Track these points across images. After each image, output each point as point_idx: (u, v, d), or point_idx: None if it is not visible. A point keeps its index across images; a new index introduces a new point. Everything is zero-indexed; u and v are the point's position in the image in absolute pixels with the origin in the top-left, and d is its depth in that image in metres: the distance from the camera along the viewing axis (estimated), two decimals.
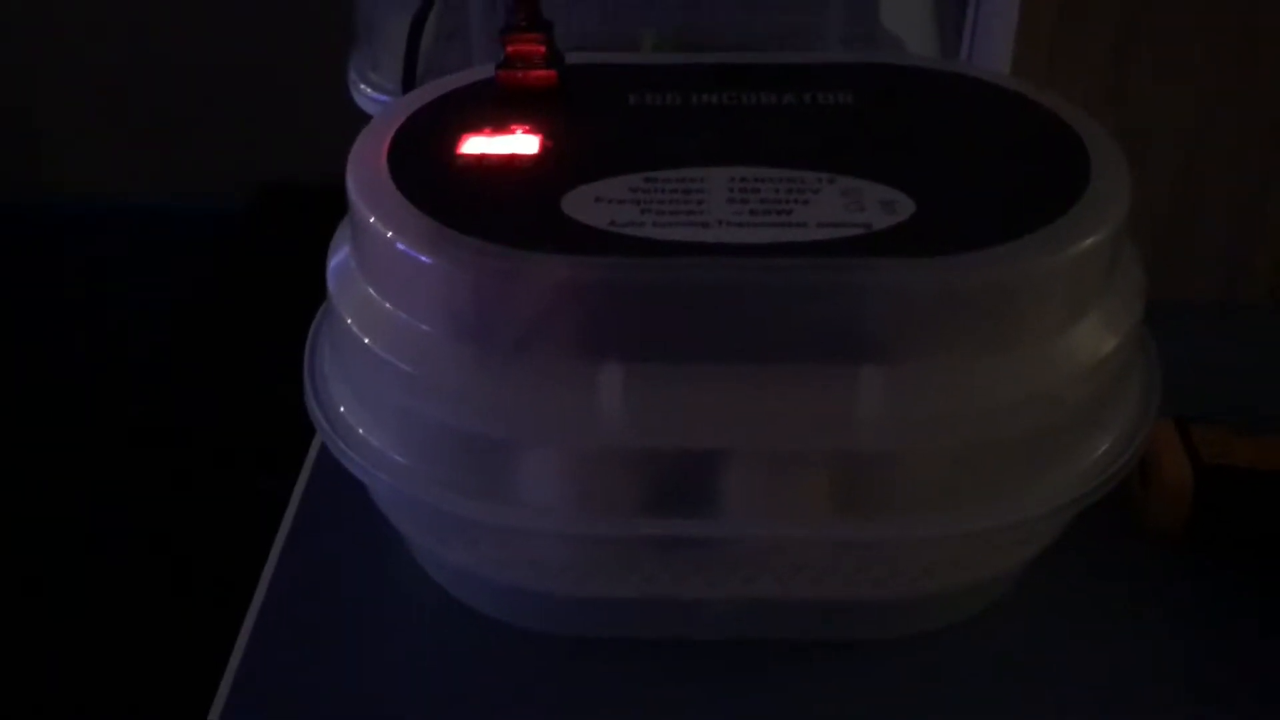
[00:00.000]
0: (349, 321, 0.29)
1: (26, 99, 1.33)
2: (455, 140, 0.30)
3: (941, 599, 0.31)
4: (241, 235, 1.29)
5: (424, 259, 0.27)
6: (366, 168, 0.30)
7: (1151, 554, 0.35)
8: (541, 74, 0.32)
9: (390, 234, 0.28)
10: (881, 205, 0.28)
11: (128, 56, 1.29)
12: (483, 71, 0.34)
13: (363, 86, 0.51)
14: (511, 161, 0.30)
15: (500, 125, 0.31)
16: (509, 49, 0.32)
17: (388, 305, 0.29)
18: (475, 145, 0.30)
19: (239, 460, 1.01)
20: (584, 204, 0.28)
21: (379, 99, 0.50)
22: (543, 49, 0.32)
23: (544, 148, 0.30)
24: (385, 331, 0.28)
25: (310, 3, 1.15)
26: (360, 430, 0.30)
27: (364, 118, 0.53)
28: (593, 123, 0.32)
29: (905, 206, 0.28)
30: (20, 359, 1.19)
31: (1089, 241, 0.27)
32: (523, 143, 0.30)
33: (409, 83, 0.38)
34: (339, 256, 0.31)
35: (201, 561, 0.94)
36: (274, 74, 1.25)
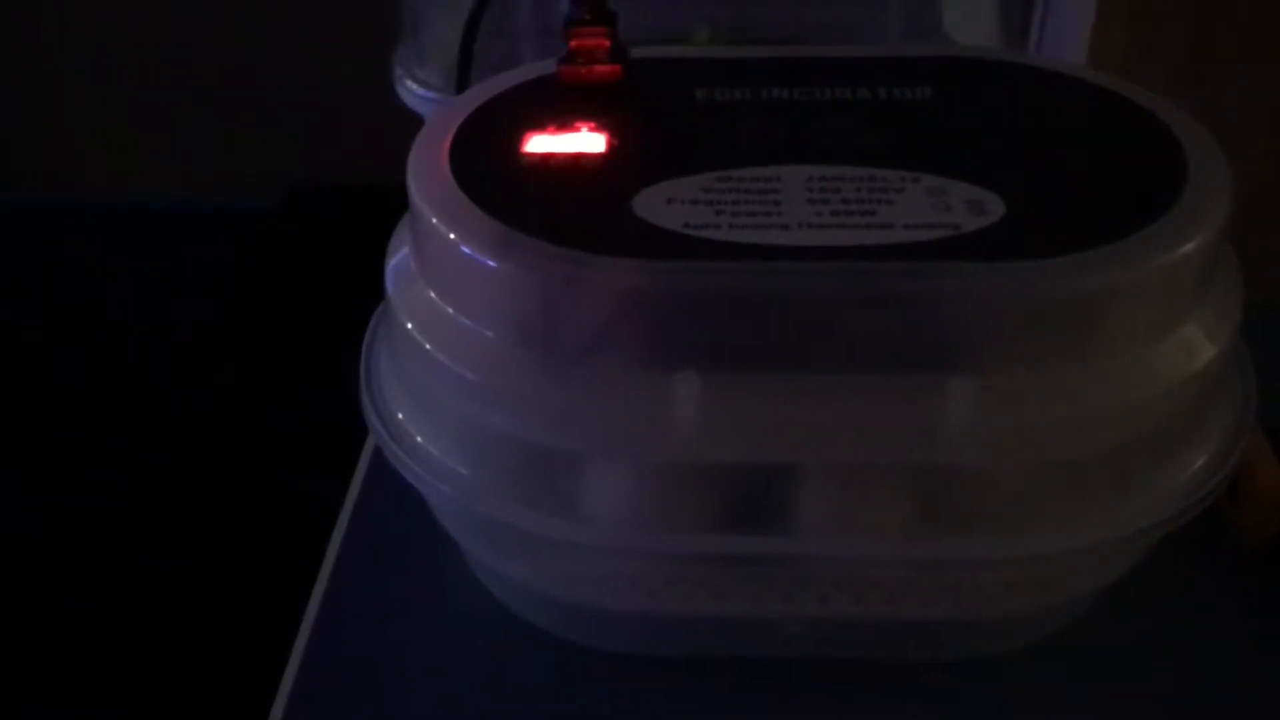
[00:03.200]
0: (409, 326, 0.28)
1: (55, 97, 1.33)
2: (518, 139, 0.29)
3: (1023, 618, 0.30)
4: (274, 233, 1.29)
5: (489, 262, 0.26)
6: (428, 168, 0.28)
7: (1242, 569, 0.33)
8: (606, 69, 0.31)
9: (454, 236, 0.27)
10: (969, 205, 0.26)
11: (158, 53, 1.29)
12: (542, 67, 0.32)
13: (409, 83, 0.50)
14: (578, 160, 0.29)
15: (564, 122, 0.30)
16: (572, 43, 0.31)
17: (450, 310, 0.27)
18: (539, 144, 0.29)
19: (280, 460, 1.00)
20: (655, 205, 0.27)
21: (425, 95, 0.49)
22: (607, 43, 0.31)
23: (611, 146, 0.29)
24: (447, 337, 0.27)
25: (346, 1, 1.15)
26: (419, 438, 0.29)
27: (400, 115, 0.52)
28: (660, 119, 0.31)
29: (995, 207, 0.26)
30: (53, 361, 1.19)
31: (1189, 246, 0.26)
32: (589, 141, 0.29)
33: (463, 81, 0.37)
34: (398, 258, 0.29)
35: (249, 568, 0.93)
36: (304, 72, 1.25)
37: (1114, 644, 0.31)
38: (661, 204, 0.27)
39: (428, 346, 0.27)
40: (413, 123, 0.49)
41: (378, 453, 0.37)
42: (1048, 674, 0.31)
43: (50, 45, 1.31)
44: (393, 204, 0.31)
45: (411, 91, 0.50)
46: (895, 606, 0.29)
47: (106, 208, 1.36)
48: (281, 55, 1.26)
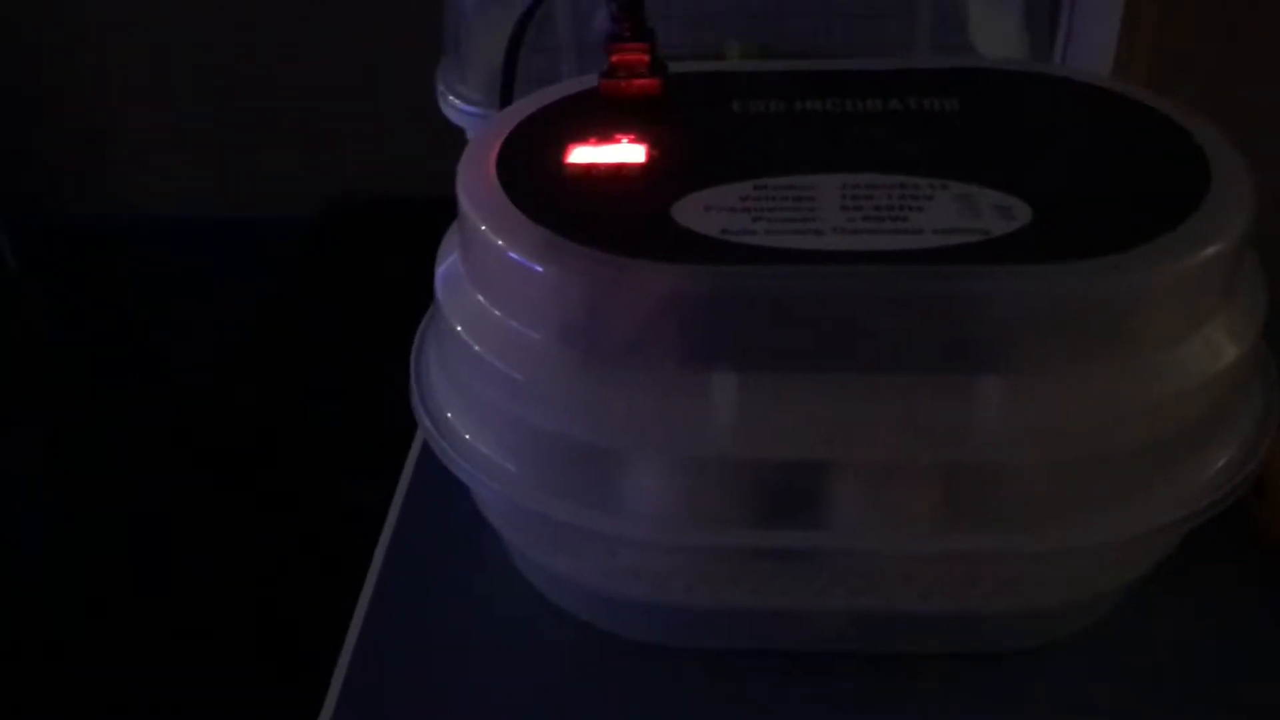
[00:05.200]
0: (458, 329, 0.29)
1: (98, 114, 1.36)
2: (562, 150, 0.31)
3: (1053, 612, 0.31)
4: (314, 247, 1.31)
5: (536, 267, 0.27)
6: (477, 177, 0.30)
7: (1266, 566, 0.34)
8: (645, 83, 0.32)
9: (502, 242, 0.28)
10: (997, 211, 0.27)
11: (201, 68, 1.31)
12: (585, 81, 0.34)
13: (451, 98, 0.51)
14: (619, 170, 0.30)
15: (606, 134, 0.31)
16: (613, 59, 0.32)
17: (498, 313, 0.29)
18: (583, 154, 0.30)
19: (319, 471, 1.02)
20: (694, 212, 0.28)
21: (468, 110, 0.50)
22: (647, 58, 0.32)
23: (651, 156, 0.30)
24: (495, 339, 0.29)
25: (380, 16, 1.17)
26: (467, 436, 0.30)
27: (439, 129, 0.54)
28: (698, 131, 0.32)
29: (1022, 212, 0.27)
30: (96, 372, 1.21)
31: (1212, 249, 0.27)
32: (630, 151, 0.30)
33: (507, 96, 0.38)
34: (447, 263, 0.31)
35: (295, 575, 0.94)
36: (347, 87, 1.27)
37: (1141, 639, 0.32)
38: (700, 211, 0.28)
39: (476, 348, 0.29)
40: (452, 137, 0.51)
41: (423, 457, 0.39)
42: (1077, 667, 0.31)
43: (94, 62, 1.33)
44: (432, 217, 0.32)
45: (454, 106, 0.51)
46: (927, 601, 0.30)
47: (150, 221, 1.38)
48: (324, 70, 1.28)
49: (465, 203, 0.29)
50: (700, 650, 0.32)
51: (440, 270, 0.31)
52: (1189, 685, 0.31)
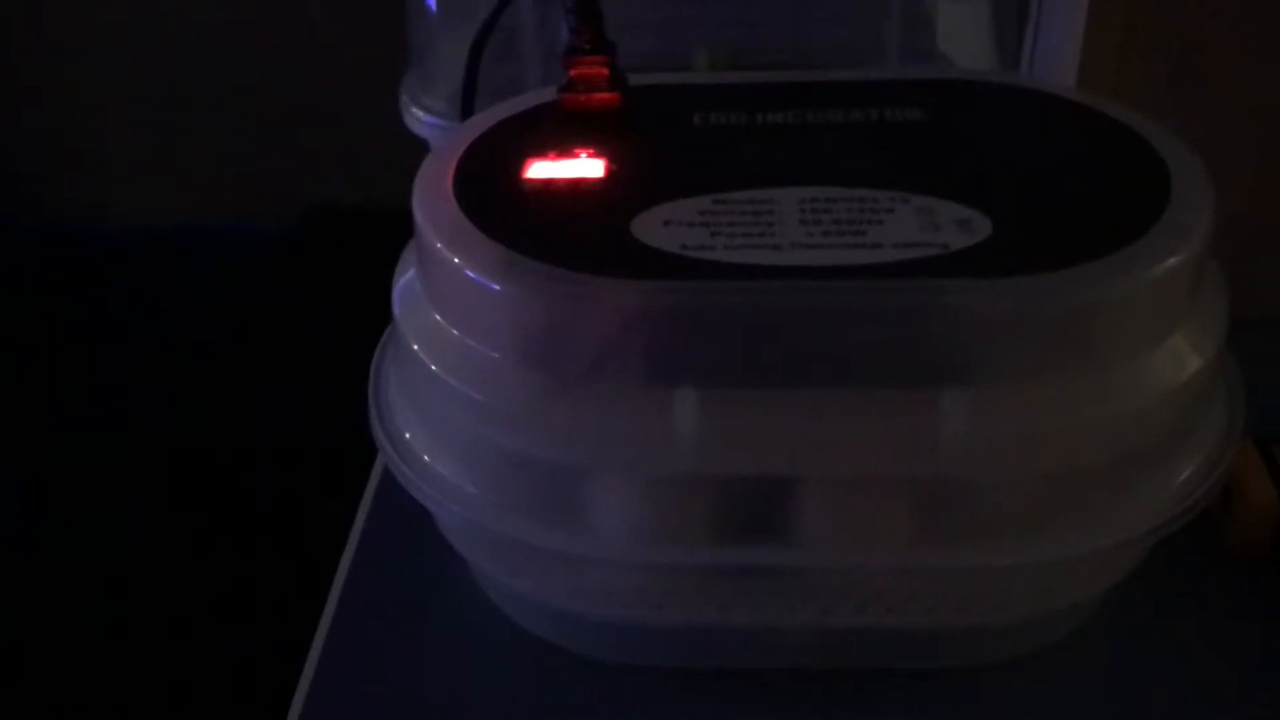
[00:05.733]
0: (415, 348, 0.29)
1: (73, 123, 1.35)
2: (520, 165, 0.30)
3: (1023, 626, 0.31)
4: (289, 258, 1.30)
5: (493, 285, 0.27)
6: (432, 194, 0.29)
7: (1235, 577, 0.34)
8: (605, 96, 0.32)
9: (458, 260, 0.28)
10: (958, 225, 0.27)
11: (174, 78, 1.31)
12: (544, 95, 0.33)
13: (415, 110, 0.50)
14: (578, 185, 0.30)
15: (565, 149, 0.31)
16: (572, 72, 0.32)
17: (455, 332, 0.28)
18: (541, 170, 0.30)
19: (296, 481, 1.01)
20: (653, 227, 0.28)
21: (432, 122, 0.50)
22: (606, 71, 0.32)
23: (610, 171, 0.30)
24: (453, 358, 0.28)
25: (356, 27, 1.16)
26: (427, 458, 0.30)
27: (412, 141, 0.53)
28: (658, 145, 0.32)
29: (982, 226, 0.27)
30: (70, 383, 1.20)
31: (1173, 260, 0.27)
32: (589, 166, 0.30)
33: (468, 108, 0.38)
34: (404, 281, 0.30)
35: (264, 587, 0.94)
36: (320, 97, 1.26)
37: (1112, 652, 0.32)
38: (659, 226, 0.28)
39: (434, 367, 0.28)
40: (422, 149, 0.50)
41: (387, 473, 0.38)
42: (1048, 681, 0.31)
43: (75, 75, 1.33)
44: (408, 228, 0.32)
45: (417, 118, 0.50)
46: (896, 616, 0.30)
47: (129, 230, 1.37)
48: (301, 81, 1.28)
49: (421, 219, 0.29)
50: (668, 669, 0.32)
51: (397, 288, 0.30)
52: (1161, 697, 0.31)
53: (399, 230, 0.32)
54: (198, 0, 1.26)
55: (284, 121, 1.29)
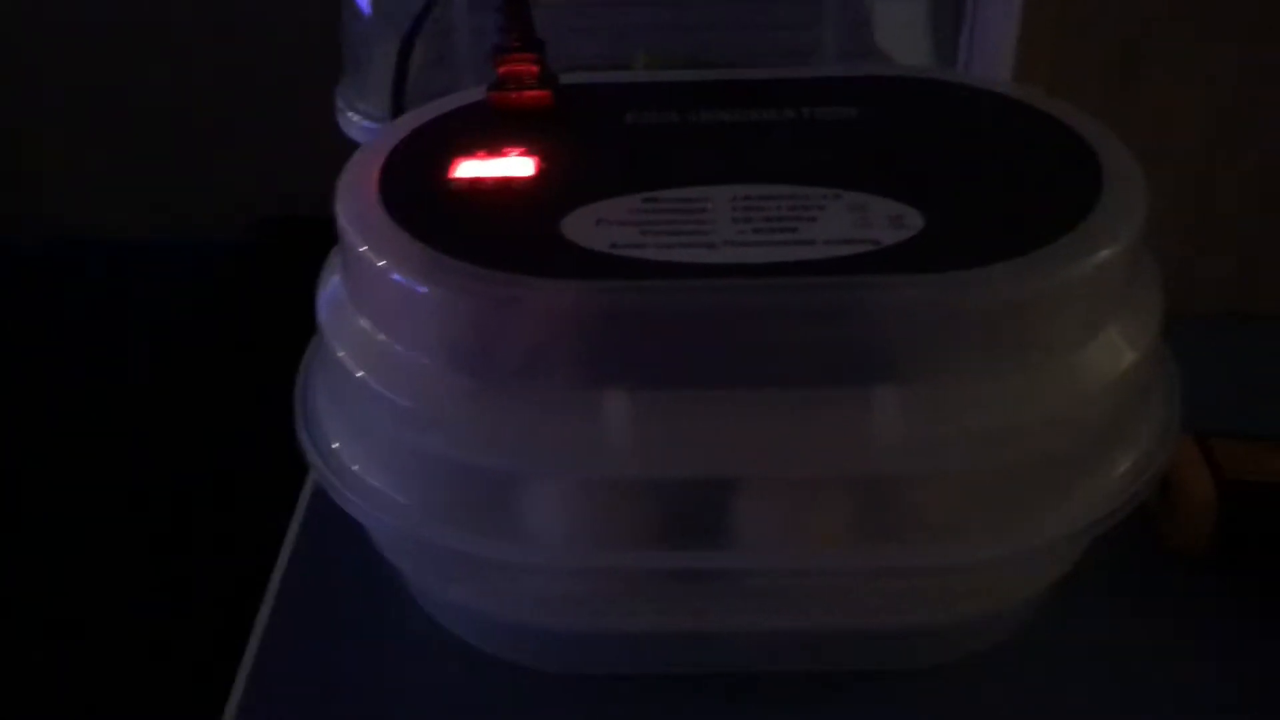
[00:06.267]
0: (341, 354, 0.28)
1: (19, 136, 1.33)
2: (448, 165, 0.30)
3: (963, 625, 0.30)
4: (239, 269, 1.29)
5: (419, 288, 0.26)
6: (357, 195, 0.29)
7: (1174, 570, 0.34)
8: (535, 94, 0.32)
9: (383, 263, 0.27)
10: (890, 221, 0.27)
11: (120, 91, 1.29)
12: (474, 94, 0.33)
13: (351, 115, 0.50)
14: (507, 185, 0.29)
15: (494, 148, 0.30)
16: (501, 70, 0.32)
17: (382, 336, 0.28)
18: (469, 169, 0.29)
19: (239, 495, 1.00)
20: (584, 227, 0.27)
21: (368, 127, 0.49)
22: (535, 69, 0.32)
23: (540, 170, 0.29)
24: (380, 364, 0.27)
25: (303, 33, 1.15)
26: (356, 468, 0.29)
27: (354, 148, 0.53)
28: (589, 143, 0.31)
29: (914, 221, 0.27)
30: (14, 395, 1.18)
31: (1105, 254, 0.27)
32: (518, 165, 0.30)
33: (398, 108, 0.37)
34: (330, 287, 0.30)
35: (197, 596, 0.92)
36: (269, 106, 1.25)
37: (1053, 648, 0.32)
38: (590, 225, 0.27)
39: (360, 374, 0.28)
40: None
41: (319, 485, 0.37)
42: (990, 682, 0.31)
43: (19, 89, 1.30)
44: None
45: (354, 123, 0.50)
46: (837, 617, 0.29)
47: (71, 245, 1.35)
48: (247, 92, 1.27)
49: (345, 222, 0.28)
50: (608, 676, 0.31)
51: (323, 294, 0.30)
52: (1104, 693, 0.31)
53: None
54: (141, 12, 1.25)
55: (231, 133, 1.28)
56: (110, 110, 1.29)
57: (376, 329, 0.28)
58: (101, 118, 1.30)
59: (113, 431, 1.12)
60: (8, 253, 1.34)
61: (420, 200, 0.29)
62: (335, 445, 0.29)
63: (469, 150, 0.30)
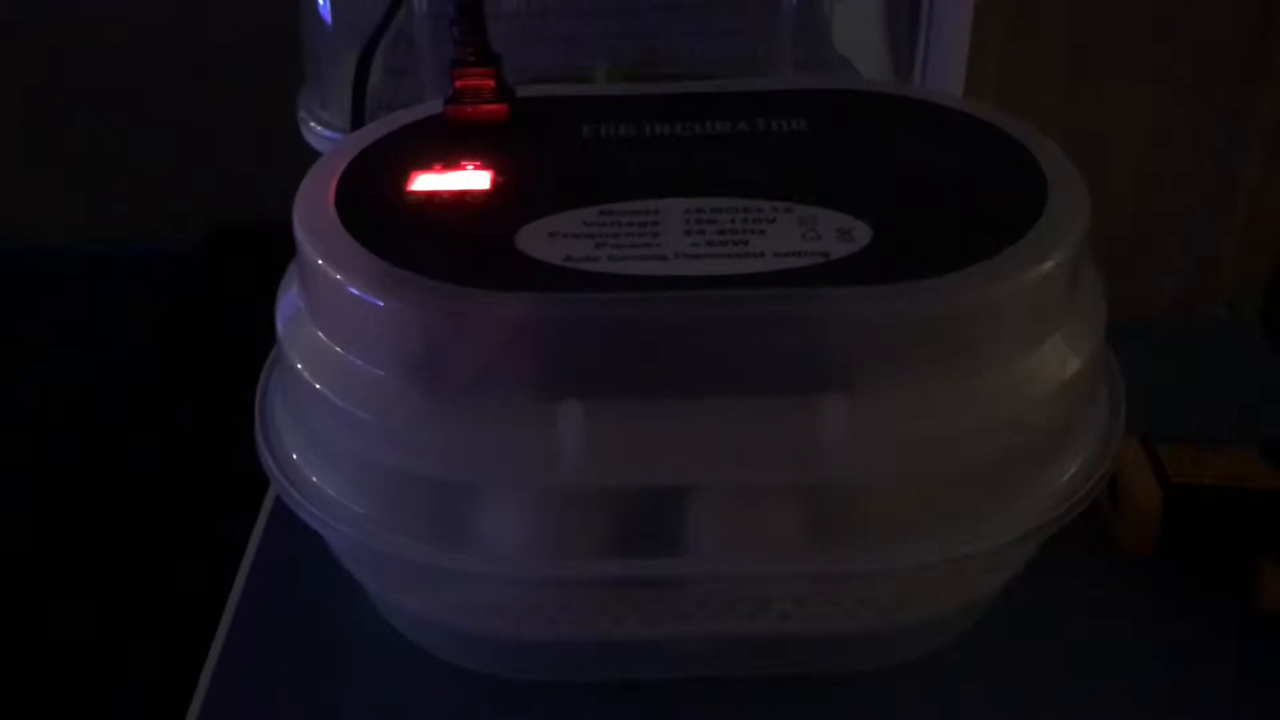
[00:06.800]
0: (299, 366, 0.28)
1: None
2: (404, 178, 0.30)
3: (916, 628, 0.31)
4: (194, 277, 1.28)
5: (374, 301, 0.27)
6: (313, 208, 0.29)
7: (1121, 572, 0.34)
8: (491, 108, 0.32)
9: (339, 276, 0.27)
10: (838, 233, 0.27)
11: (75, 99, 1.28)
12: (431, 107, 0.33)
13: (313, 125, 0.50)
14: (462, 198, 0.29)
15: (450, 161, 0.30)
16: (457, 83, 0.32)
17: (338, 349, 0.28)
18: (425, 182, 0.30)
19: (197, 504, 0.99)
20: (538, 240, 0.28)
21: (330, 136, 0.49)
22: (492, 83, 0.32)
23: (495, 183, 0.30)
24: (336, 376, 0.28)
25: (261, 41, 1.15)
26: (314, 478, 0.29)
27: (316, 157, 0.53)
28: (545, 156, 0.32)
29: (862, 234, 0.27)
30: None
31: (1048, 264, 0.27)
32: (474, 179, 0.30)
33: (358, 119, 0.37)
34: (287, 298, 0.30)
35: (159, 605, 0.92)
36: (225, 114, 1.24)
37: (1004, 650, 0.32)
38: (544, 239, 0.28)
39: (318, 386, 0.28)
40: None
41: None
42: (943, 683, 0.32)
43: None
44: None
45: (315, 133, 0.50)
46: (789, 622, 0.30)
47: (28, 252, 1.33)
48: (202, 98, 1.26)
49: (301, 235, 0.28)
50: (565, 684, 0.31)
51: (280, 306, 0.30)
52: (1054, 693, 0.32)
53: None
54: (93, 14, 1.23)
55: (184, 140, 1.27)
56: (63, 113, 1.28)
57: (333, 341, 0.28)
58: (54, 121, 1.28)
59: (72, 431, 1.12)
60: None
61: (376, 213, 0.29)
62: (294, 456, 0.29)
63: (426, 164, 0.30)
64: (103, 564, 0.98)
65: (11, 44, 1.25)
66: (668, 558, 0.28)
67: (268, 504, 0.38)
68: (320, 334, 0.28)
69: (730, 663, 0.31)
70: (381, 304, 0.27)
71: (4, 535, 1.01)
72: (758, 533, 0.28)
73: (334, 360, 0.28)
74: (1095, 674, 0.32)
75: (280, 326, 0.30)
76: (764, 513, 0.28)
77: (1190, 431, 0.35)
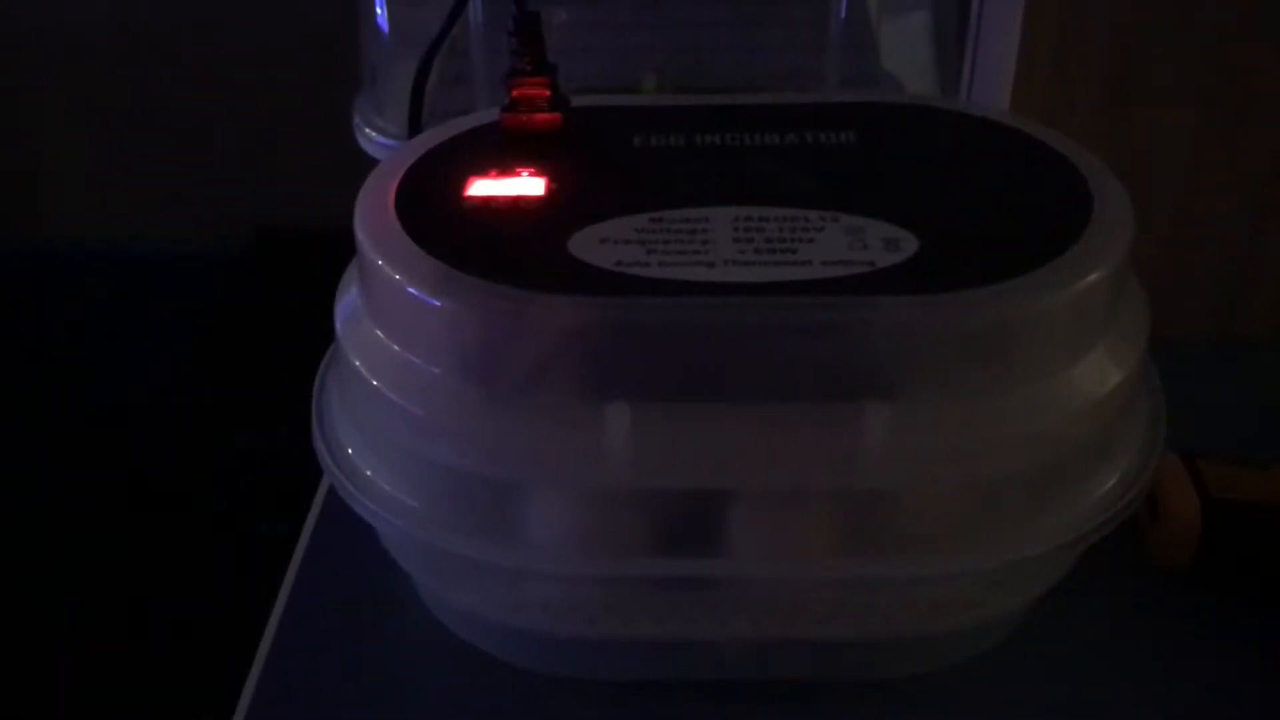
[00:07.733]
0: (357, 364, 0.29)
1: (24, 145, 1.34)
2: (462, 183, 0.31)
3: (951, 637, 0.31)
4: (242, 280, 1.30)
5: (432, 301, 0.27)
6: (374, 211, 0.30)
7: (1159, 588, 0.35)
8: (546, 117, 0.33)
9: (398, 277, 0.28)
10: (885, 243, 0.28)
11: (127, 100, 1.30)
12: (488, 115, 0.34)
13: (368, 131, 0.51)
14: (518, 203, 0.30)
15: (506, 168, 0.31)
16: (514, 92, 0.33)
17: (396, 347, 0.29)
18: (481, 188, 0.31)
19: (245, 505, 1.01)
20: (590, 245, 0.28)
21: (384, 143, 0.50)
22: (547, 92, 0.33)
23: (550, 190, 0.31)
24: (393, 373, 0.29)
25: (309, 47, 1.16)
26: (369, 473, 0.30)
27: (365, 162, 0.54)
28: (598, 164, 0.32)
29: (909, 244, 0.28)
30: (20, 401, 1.19)
31: (1092, 277, 0.28)
32: (529, 185, 0.31)
33: (415, 127, 0.38)
34: (347, 298, 0.31)
35: (209, 606, 0.93)
36: (273, 118, 1.26)
37: (1041, 661, 0.33)
38: (596, 244, 0.28)
39: (375, 383, 0.29)
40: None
41: (332, 491, 0.38)
42: (980, 691, 0.32)
43: (24, 93, 1.31)
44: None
45: (370, 139, 0.51)
46: (826, 627, 0.30)
47: (79, 252, 1.36)
48: (253, 103, 1.28)
49: (362, 237, 0.29)
50: (606, 682, 0.32)
51: (340, 305, 0.31)
52: (1088, 705, 0.32)
53: (353, 252, 0.33)
54: (147, 18, 1.26)
55: (236, 143, 1.29)
56: (116, 116, 1.30)
57: (391, 340, 0.29)
58: (106, 123, 1.31)
59: (121, 433, 1.13)
60: (10, 257, 1.35)
61: (435, 217, 0.30)
62: (350, 450, 0.30)
63: (482, 170, 0.31)
64: (155, 565, 1.00)
65: (71, 50, 1.28)
66: (709, 559, 0.28)
67: (318, 502, 0.39)
68: (378, 332, 0.29)
69: (767, 665, 0.32)
70: (438, 304, 0.27)
71: (65, 536, 1.03)
72: (799, 537, 0.28)
73: (391, 358, 0.29)
74: (1130, 689, 0.32)
75: (339, 325, 0.31)
76: (804, 518, 0.28)
77: (1230, 449, 0.36)
